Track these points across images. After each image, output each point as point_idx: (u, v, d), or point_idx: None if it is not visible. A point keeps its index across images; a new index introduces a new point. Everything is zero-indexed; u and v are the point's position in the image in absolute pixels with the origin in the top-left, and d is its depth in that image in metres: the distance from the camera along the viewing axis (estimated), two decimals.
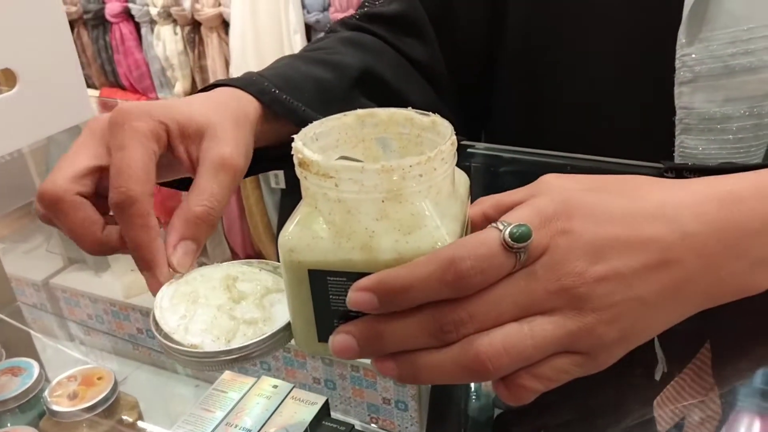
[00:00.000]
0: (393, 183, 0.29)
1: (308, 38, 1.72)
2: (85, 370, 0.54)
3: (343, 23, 0.61)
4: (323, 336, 0.32)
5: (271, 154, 0.48)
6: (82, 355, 0.73)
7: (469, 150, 0.59)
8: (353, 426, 0.45)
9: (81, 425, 0.51)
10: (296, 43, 1.69)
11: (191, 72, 1.96)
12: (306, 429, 0.44)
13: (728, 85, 0.47)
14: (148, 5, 1.90)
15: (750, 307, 0.33)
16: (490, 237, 0.28)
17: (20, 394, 0.52)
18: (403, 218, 0.30)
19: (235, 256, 1.94)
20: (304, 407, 0.45)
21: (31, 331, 0.73)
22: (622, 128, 0.55)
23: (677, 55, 0.48)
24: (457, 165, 0.33)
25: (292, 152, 0.31)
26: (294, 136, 0.32)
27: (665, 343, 0.37)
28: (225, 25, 1.84)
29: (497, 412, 0.48)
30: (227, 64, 1.85)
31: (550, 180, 0.33)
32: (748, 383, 0.43)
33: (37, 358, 0.57)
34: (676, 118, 0.49)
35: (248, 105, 0.45)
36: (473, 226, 0.35)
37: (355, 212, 0.30)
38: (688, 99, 0.48)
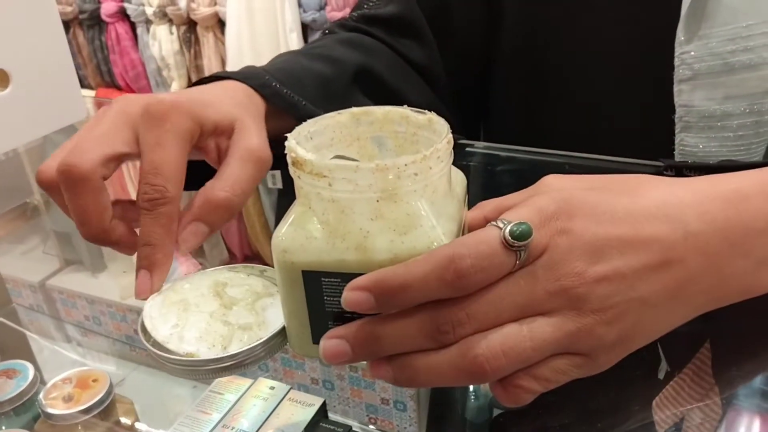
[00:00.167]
0: (388, 182, 0.29)
1: (305, 37, 1.72)
2: (80, 373, 0.53)
3: (341, 25, 0.61)
4: (318, 338, 0.31)
5: None
6: (79, 356, 0.73)
7: (467, 149, 0.59)
8: (351, 427, 0.44)
9: (76, 428, 0.50)
10: (292, 42, 1.68)
11: (187, 72, 1.95)
12: (303, 431, 0.44)
13: (728, 83, 0.47)
14: (143, 5, 1.90)
15: (750, 307, 0.32)
16: (490, 235, 0.28)
17: (15, 396, 0.52)
18: (399, 218, 0.29)
19: (232, 257, 1.93)
20: (302, 409, 0.45)
21: (28, 333, 0.72)
22: (621, 127, 0.55)
23: (676, 53, 0.48)
24: (456, 164, 0.33)
25: (286, 151, 0.31)
26: (287, 134, 0.32)
27: (665, 343, 0.37)
28: (221, 24, 1.83)
29: (496, 412, 0.48)
30: (223, 63, 1.85)
31: (551, 181, 0.33)
32: (749, 383, 0.43)
33: (33, 361, 0.57)
34: (676, 116, 0.49)
35: (258, 101, 0.45)
36: (474, 231, 0.34)
37: (350, 212, 0.29)
38: (687, 97, 0.48)
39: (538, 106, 0.60)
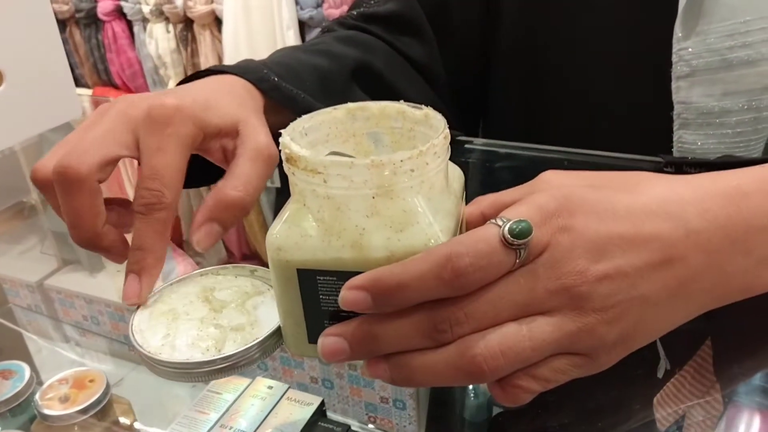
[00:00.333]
0: (384, 178, 0.28)
1: (302, 34, 1.71)
2: (77, 373, 0.53)
3: (340, 23, 0.60)
4: (314, 337, 0.31)
5: None
6: (76, 356, 0.73)
7: (466, 146, 0.58)
8: (349, 427, 0.44)
9: (73, 428, 0.50)
10: (290, 39, 1.68)
11: (184, 70, 1.95)
12: (301, 430, 0.43)
13: (726, 79, 0.46)
14: (140, 3, 1.89)
15: (751, 305, 0.32)
16: (489, 233, 0.27)
17: (11, 397, 0.52)
18: (395, 215, 0.29)
19: (230, 255, 1.93)
20: (300, 408, 0.45)
21: (26, 333, 0.72)
22: (619, 126, 0.55)
23: (674, 50, 0.47)
24: (454, 161, 0.32)
25: (280, 147, 0.30)
26: (281, 131, 0.31)
27: (666, 341, 0.37)
28: (218, 22, 1.83)
29: (495, 411, 0.48)
30: (220, 61, 1.85)
31: (550, 177, 0.33)
32: (750, 380, 0.42)
33: (30, 361, 0.57)
34: (674, 113, 0.49)
35: (257, 95, 0.45)
36: (471, 227, 0.34)
37: (345, 209, 0.29)
38: (685, 93, 0.48)
39: (537, 104, 0.59)
